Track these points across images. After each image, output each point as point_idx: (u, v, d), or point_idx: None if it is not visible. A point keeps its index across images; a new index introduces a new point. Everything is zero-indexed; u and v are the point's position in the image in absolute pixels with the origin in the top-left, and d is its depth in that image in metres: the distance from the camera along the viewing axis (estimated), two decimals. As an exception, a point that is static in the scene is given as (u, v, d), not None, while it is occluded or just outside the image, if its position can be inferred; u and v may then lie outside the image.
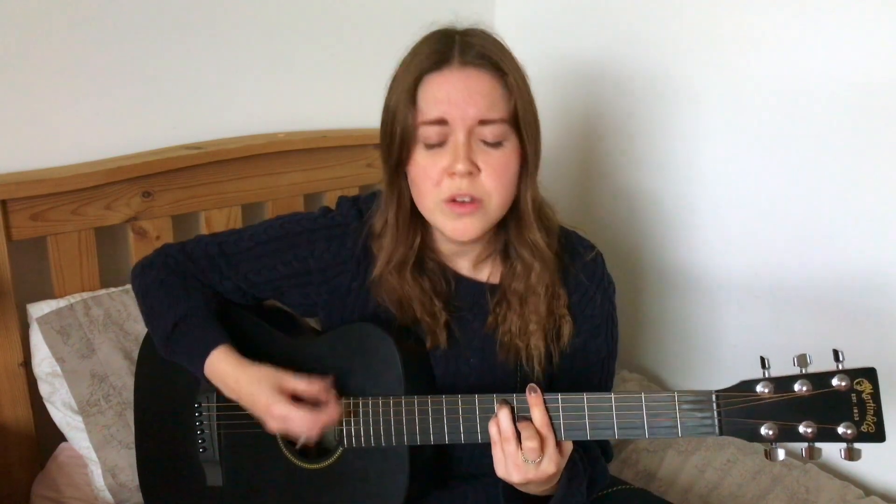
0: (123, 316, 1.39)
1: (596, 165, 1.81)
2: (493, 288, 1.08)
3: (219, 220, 1.55)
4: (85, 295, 1.40)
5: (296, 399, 0.99)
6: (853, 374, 0.81)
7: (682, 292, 1.72)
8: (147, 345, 1.21)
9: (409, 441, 1.00)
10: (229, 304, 1.14)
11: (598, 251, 1.12)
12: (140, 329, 1.37)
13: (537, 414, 0.92)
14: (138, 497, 1.30)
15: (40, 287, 1.41)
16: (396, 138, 0.97)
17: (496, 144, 0.96)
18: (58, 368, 1.33)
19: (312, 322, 1.23)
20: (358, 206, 1.10)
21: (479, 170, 0.95)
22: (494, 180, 0.96)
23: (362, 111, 1.74)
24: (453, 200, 0.96)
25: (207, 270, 1.12)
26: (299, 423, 0.98)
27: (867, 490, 1.41)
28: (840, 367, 0.82)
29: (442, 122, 0.94)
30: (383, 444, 1.01)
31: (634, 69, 1.68)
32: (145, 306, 1.13)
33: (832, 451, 1.38)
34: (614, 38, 1.72)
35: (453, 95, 0.94)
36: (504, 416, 0.92)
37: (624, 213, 1.79)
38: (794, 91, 1.43)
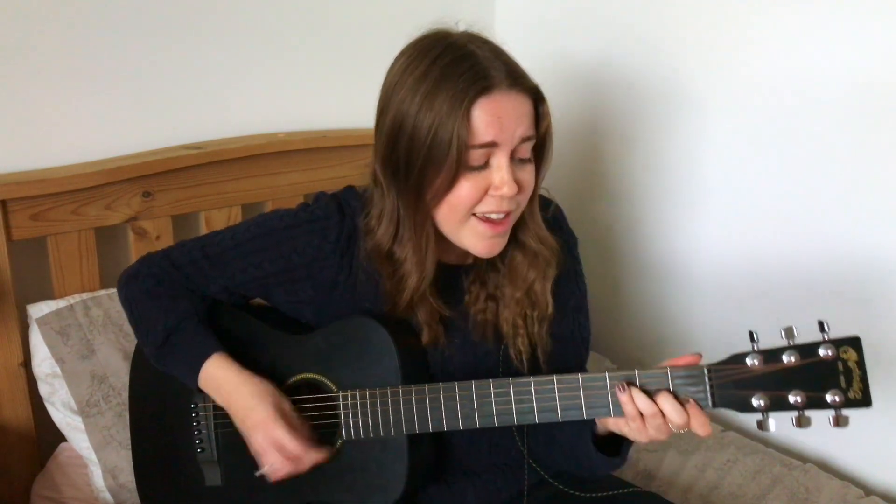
0: (123, 317, 1.38)
1: (591, 162, 1.82)
2: (467, 269, 1.10)
3: (219, 220, 1.55)
4: (84, 296, 1.40)
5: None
6: (838, 343, 0.83)
7: (664, 282, 1.74)
8: (140, 350, 1.21)
9: (408, 430, 1.00)
10: (221, 305, 1.14)
11: (555, 204, 1.14)
12: (140, 329, 1.37)
13: (669, 407, 0.89)
14: (138, 499, 1.30)
15: (40, 287, 1.41)
16: (437, 163, 0.93)
17: (527, 160, 0.98)
18: (57, 369, 1.33)
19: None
20: (337, 200, 1.09)
21: (520, 188, 0.97)
22: (525, 195, 0.99)
23: (362, 111, 1.72)
24: (488, 219, 0.97)
25: (193, 276, 1.12)
26: (289, 452, 0.99)
27: (867, 490, 1.41)
28: (825, 337, 0.84)
29: (492, 144, 0.93)
30: (382, 435, 1.02)
31: (634, 69, 1.68)
32: (134, 317, 1.13)
33: (835, 450, 1.38)
34: (614, 39, 1.72)
35: (504, 118, 0.93)
36: (639, 396, 0.89)
37: (607, 204, 1.81)
38: (792, 90, 1.43)
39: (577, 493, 1.11)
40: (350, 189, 1.12)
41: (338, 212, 1.08)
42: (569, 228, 1.16)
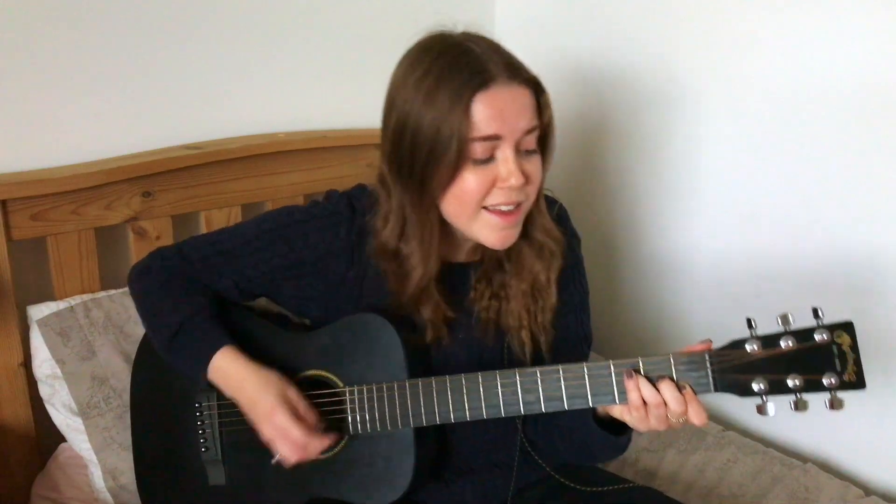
0: (123, 318, 1.39)
1: (589, 160, 1.82)
2: (476, 266, 1.11)
3: (219, 220, 1.55)
4: (85, 297, 1.40)
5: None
6: (833, 328, 0.87)
7: (662, 279, 1.74)
8: (144, 348, 1.21)
9: (415, 423, 1.02)
10: (229, 303, 1.15)
11: (560, 204, 1.16)
12: (140, 331, 1.36)
13: (670, 396, 0.91)
14: (139, 500, 1.30)
15: (40, 287, 1.40)
16: (439, 158, 0.95)
17: (532, 152, 1.00)
18: (58, 370, 1.33)
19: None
20: (348, 197, 1.11)
21: (528, 180, 0.98)
22: (534, 186, 1.01)
23: (362, 111, 1.74)
24: (499, 211, 0.98)
25: (204, 270, 1.13)
26: (294, 439, 1.00)
27: (867, 490, 1.41)
28: (820, 323, 0.87)
29: (495, 137, 0.95)
30: (389, 429, 1.03)
31: (635, 68, 1.68)
32: (145, 310, 1.14)
33: (835, 450, 1.38)
34: (615, 38, 1.72)
35: (505, 111, 0.95)
36: (645, 385, 0.92)
37: (610, 204, 1.81)
38: (789, 89, 1.43)
39: (576, 486, 1.12)
40: (361, 187, 1.13)
41: (348, 208, 1.09)
42: (572, 227, 1.17)
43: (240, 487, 1.14)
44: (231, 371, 1.05)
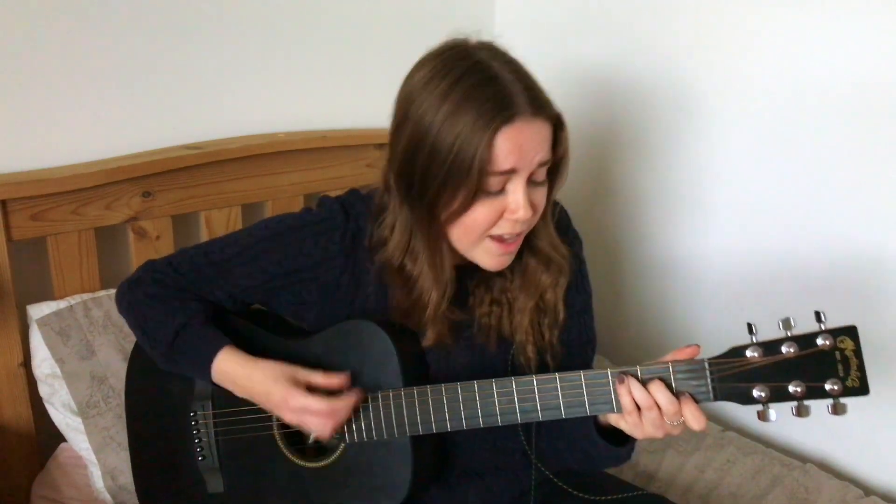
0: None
1: (592, 165, 1.81)
2: (472, 272, 1.08)
3: (219, 219, 1.55)
4: (85, 296, 1.40)
5: (311, 391, 1.01)
6: (836, 332, 0.84)
7: (666, 283, 1.74)
8: (136, 358, 1.21)
9: (411, 432, 1.01)
10: (221, 311, 1.14)
11: (561, 206, 1.14)
12: (140, 330, 1.37)
13: (662, 398, 0.90)
14: (138, 500, 1.30)
15: (40, 287, 1.41)
16: (455, 185, 0.93)
17: (541, 184, 0.99)
18: (57, 370, 1.33)
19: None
20: (341, 203, 1.10)
21: (534, 211, 0.97)
22: (537, 215, 1.00)
23: (362, 111, 1.74)
24: (501, 239, 0.98)
25: (197, 281, 1.11)
26: (316, 411, 0.99)
27: (867, 490, 1.41)
28: (822, 327, 0.85)
29: (511, 171, 0.94)
30: (385, 437, 1.02)
31: (636, 71, 1.68)
32: (138, 321, 1.12)
33: (835, 450, 1.39)
34: (616, 40, 1.72)
35: (525, 146, 0.93)
36: (636, 387, 0.91)
37: (611, 207, 1.81)
38: (794, 94, 1.43)
39: (582, 496, 1.11)
40: (354, 192, 1.12)
41: (342, 213, 1.08)
42: (574, 230, 1.16)
43: (238, 495, 1.13)
44: (235, 372, 1.04)
